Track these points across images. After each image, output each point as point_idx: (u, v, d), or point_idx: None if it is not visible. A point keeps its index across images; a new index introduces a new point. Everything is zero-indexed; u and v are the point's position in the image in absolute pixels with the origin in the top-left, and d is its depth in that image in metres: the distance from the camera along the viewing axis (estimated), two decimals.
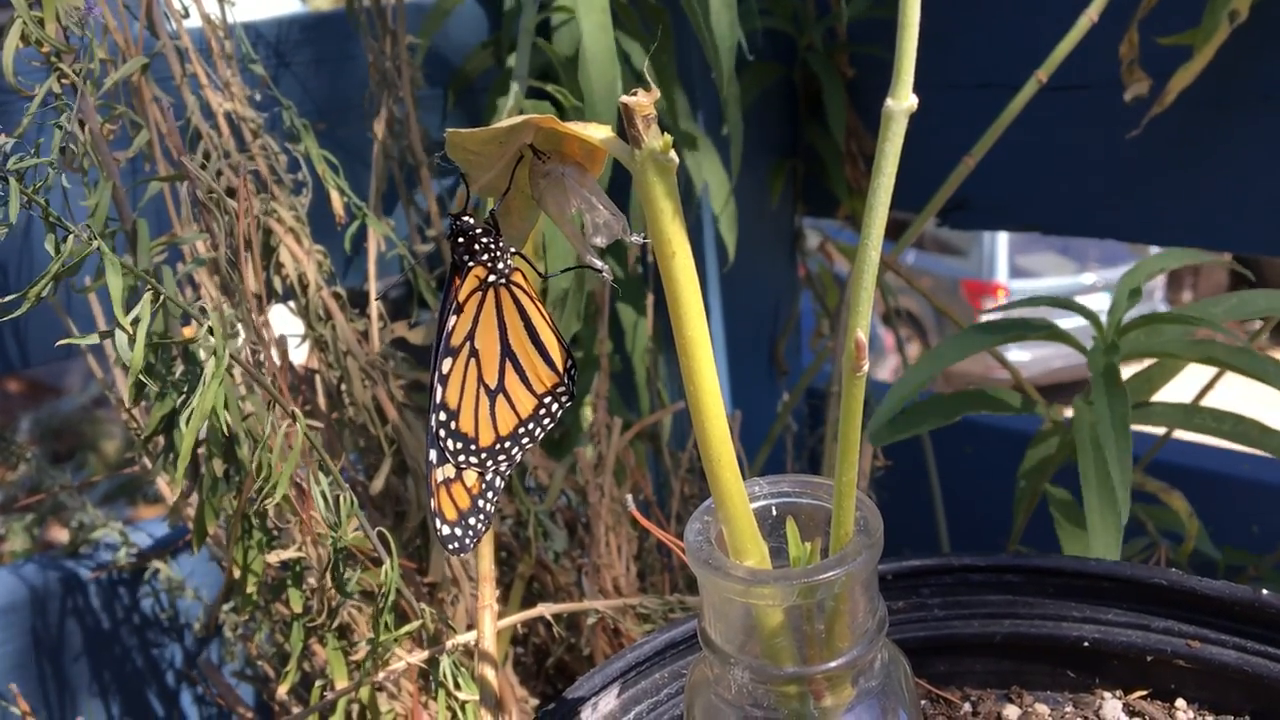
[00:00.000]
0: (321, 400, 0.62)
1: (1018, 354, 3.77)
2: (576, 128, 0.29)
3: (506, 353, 0.35)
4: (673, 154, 0.27)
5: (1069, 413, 0.55)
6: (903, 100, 0.26)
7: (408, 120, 0.65)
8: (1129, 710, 0.40)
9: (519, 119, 0.30)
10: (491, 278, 0.34)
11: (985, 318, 0.61)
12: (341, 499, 0.46)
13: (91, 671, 0.66)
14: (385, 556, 0.46)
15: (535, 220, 0.35)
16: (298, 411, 0.45)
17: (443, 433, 0.35)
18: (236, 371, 0.48)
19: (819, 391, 0.85)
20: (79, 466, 1.83)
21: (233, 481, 0.49)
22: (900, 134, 0.26)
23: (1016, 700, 0.42)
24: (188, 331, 0.48)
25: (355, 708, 0.52)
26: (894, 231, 0.62)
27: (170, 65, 0.57)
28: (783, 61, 0.82)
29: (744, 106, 0.74)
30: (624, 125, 0.27)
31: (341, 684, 0.50)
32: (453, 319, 0.34)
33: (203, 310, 0.45)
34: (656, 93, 0.27)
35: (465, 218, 0.34)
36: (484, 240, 0.34)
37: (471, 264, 0.34)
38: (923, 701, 0.42)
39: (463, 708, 0.48)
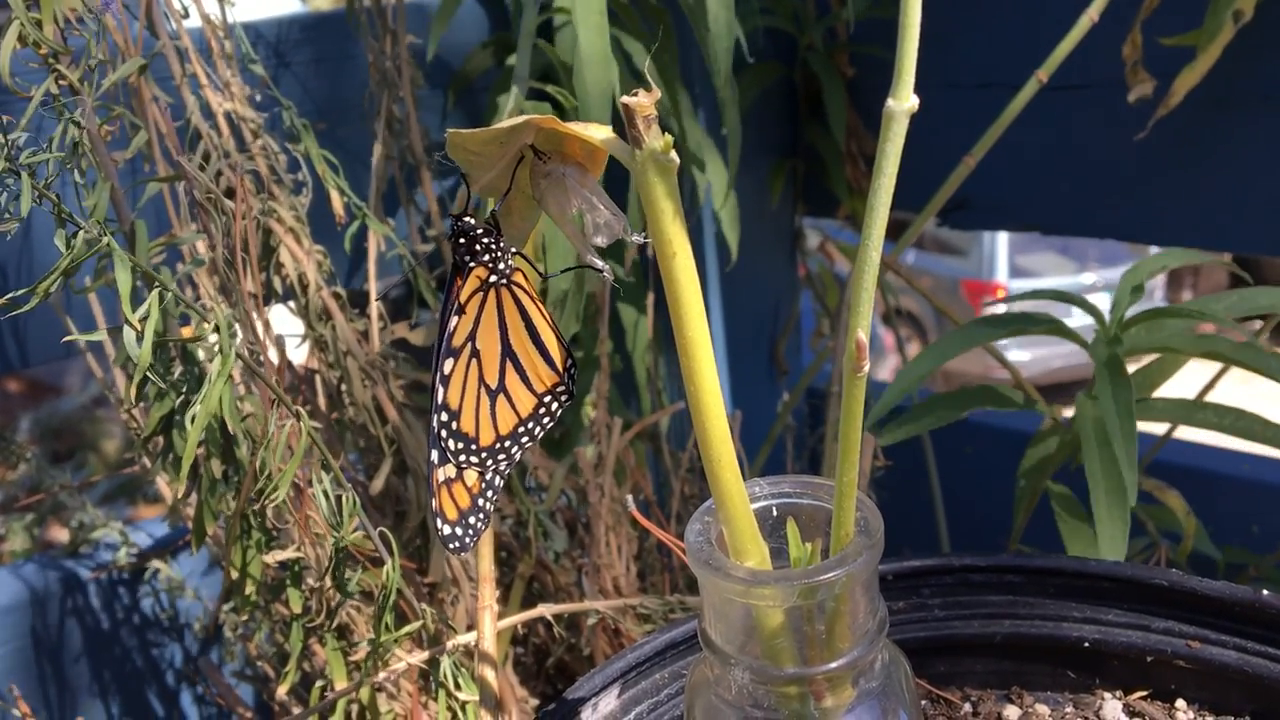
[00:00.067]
0: (321, 400, 0.62)
1: (1017, 354, 3.77)
2: (577, 128, 0.29)
3: (507, 352, 0.35)
4: (673, 154, 0.27)
5: (1069, 413, 0.55)
6: (904, 100, 0.26)
7: (408, 120, 0.65)
8: (1129, 711, 0.40)
9: (520, 119, 0.30)
10: (493, 278, 0.34)
11: (987, 312, 0.61)
12: (343, 499, 0.46)
13: (91, 671, 0.66)
14: (386, 557, 0.46)
15: (536, 220, 0.35)
16: (301, 411, 0.45)
17: (444, 433, 0.35)
18: (235, 372, 0.48)
19: (819, 391, 0.85)
20: (79, 466, 1.83)
21: (231, 482, 0.49)
22: (901, 134, 0.26)
23: (1017, 700, 0.42)
24: (186, 331, 0.48)
25: (355, 708, 0.52)
26: (894, 231, 0.62)
27: (170, 65, 0.57)
28: (783, 61, 0.82)
29: (744, 106, 0.74)
30: (624, 125, 0.27)
31: (341, 684, 0.50)
32: (454, 320, 0.34)
33: (206, 309, 0.45)
34: (657, 93, 0.27)
35: (466, 218, 0.34)
36: (485, 241, 0.34)
37: (473, 264, 0.34)
38: (923, 702, 0.42)
39: (463, 708, 0.48)
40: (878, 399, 0.57)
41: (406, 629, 0.48)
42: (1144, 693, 0.41)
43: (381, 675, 0.49)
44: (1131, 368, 0.59)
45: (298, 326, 0.60)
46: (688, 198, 0.73)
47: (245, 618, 0.58)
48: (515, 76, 0.62)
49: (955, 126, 0.66)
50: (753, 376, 0.88)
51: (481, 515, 0.36)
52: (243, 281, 0.53)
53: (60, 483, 0.71)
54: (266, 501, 0.45)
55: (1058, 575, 0.42)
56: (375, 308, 0.61)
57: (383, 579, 0.46)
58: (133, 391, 0.43)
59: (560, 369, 0.35)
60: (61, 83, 0.46)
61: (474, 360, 0.35)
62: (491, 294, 0.35)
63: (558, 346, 0.35)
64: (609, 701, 0.40)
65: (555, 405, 0.36)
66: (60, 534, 0.77)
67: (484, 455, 0.35)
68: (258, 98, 0.60)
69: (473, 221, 0.34)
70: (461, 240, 0.34)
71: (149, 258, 0.47)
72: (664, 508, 0.69)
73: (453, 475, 0.35)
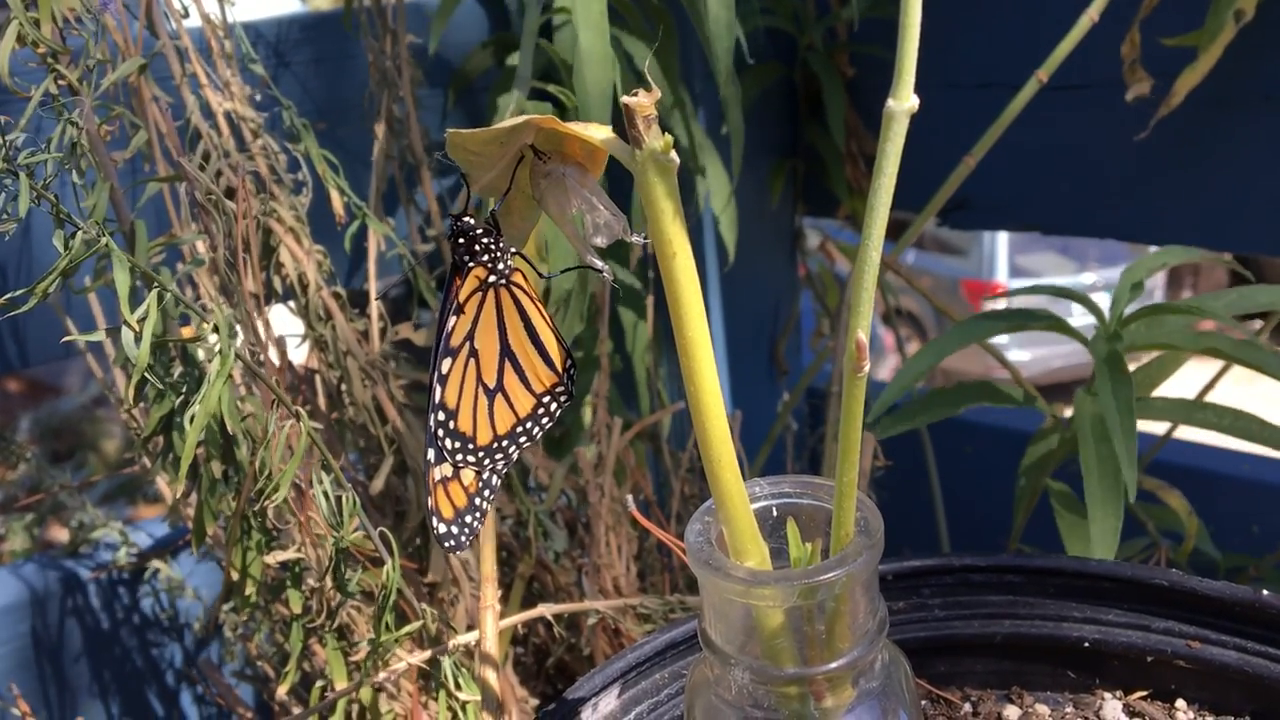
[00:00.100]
0: (321, 400, 0.62)
1: (1018, 354, 3.78)
2: (577, 128, 0.29)
3: (506, 353, 0.35)
4: (673, 154, 0.27)
5: (1069, 413, 0.55)
6: (904, 100, 0.26)
7: (408, 120, 0.65)
8: (1129, 711, 0.40)
9: (520, 119, 0.30)
10: (492, 278, 0.34)
11: (988, 308, 0.61)
12: (344, 499, 0.45)
13: (91, 671, 0.66)
14: (386, 557, 0.46)
15: (536, 220, 0.35)
16: (301, 411, 0.45)
17: (441, 432, 0.35)
18: (235, 372, 0.48)
19: (819, 391, 0.85)
20: (79, 466, 1.83)
21: (231, 482, 0.49)
22: (902, 134, 0.26)
23: (1017, 701, 0.42)
24: (186, 332, 0.48)
25: (355, 708, 0.52)
26: (894, 231, 0.62)
27: (170, 65, 0.56)
28: (783, 61, 0.82)
29: (744, 106, 0.74)
30: (625, 125, 0.27)
31: (341, 684, 0.50)
32: (453, 319, 0.34)
33: (205, 309, 0.45)
34: (658, 93, 0.27)
35: (466, 218, 0.34)
36: (484, 240, 0.34)
37: (472, 264, 0.34)
38: (923, 702, 0.42)
39: (463, 708, 0.48)
40: (878, 399, 0.57)
41: (407, 629, 0.48)
42: (1144, 693, 0.41)
43: (382, 675, 0.49)
44: (1131, 366, 0.59)
45: (298, 326, 0.60)
46: (688, 198, 0.73)
47: (245, 618, 0.58)
48: (518, 76, 0.62)
49: (955, 126, 0.66)
50: (753, 376, 0.88)
51: (478, 515, 0.36)
52: (243, 281, 0.53)
53: (60, 483, 0.71)
54: (267, 502, 0.45)
55: (1058, 575, 0.42)
56: (375, 307, 0.61)
57: (383, 579, 0.46)
58: (131, 392, 0.43)
59: (559, 369, 0.35)
60: (60, 82, 0.45)
61: (472, 360, 0.35)
62: (490, 294, 0.35)
63: (557, 347, 0.35)
64: (609, 701, 0.40)
65: (554, 406, 0.36)
66: (60, 534, 0.77)
67: (481, 455, 0.35)
68: (258, 97, 0.60)
69: (472, 221, 0.34)
70: (461, 240, 0.34)
71: (148, 258, 0.47)
72: (664, 508, 0.69)
73: (449, 474, 0.35)
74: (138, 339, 0.41)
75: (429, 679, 0.50)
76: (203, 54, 0.58)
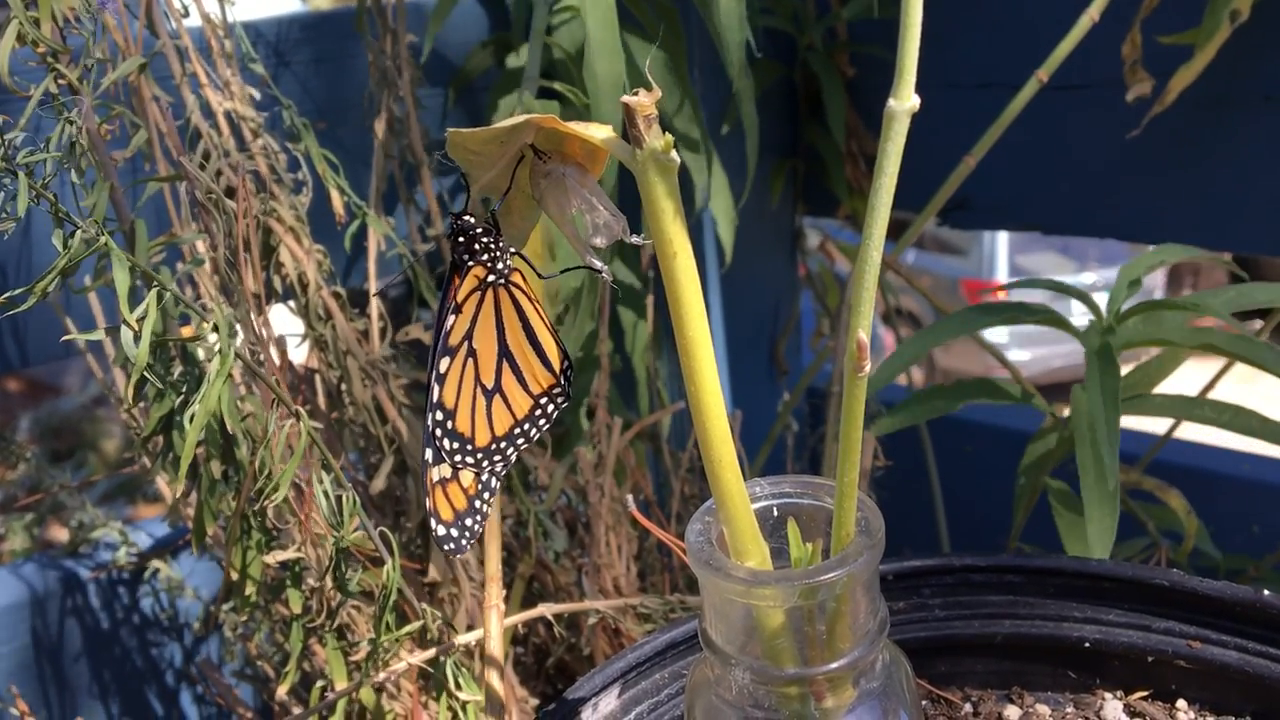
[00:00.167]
0: (321, 400, 0.62)
1: (1018, 353, 3.78)
2: (577, 128, 0.29)
3: (504, 353, 0.35)
4: (674, 154, 0.27)
5: (1068, 412, 0.55)
6: (905, 100, 0.26)
7: (408, 119, 0.65)
8: (1130, 711, 0.40)
9: (520, 118, 0.30)
10: (491, 278, 0.34)
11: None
12: (344, 499, 0.45)
13: (91, 671, 0.66)
14: (387, 557, 0.46)
15: (536, 220, 0.35)
16: (301, 411, 0.45)
17: (439, 432, 0.35)
18: (235, 371, 0.48)
19: (819, 391, 0.85)
20: (78, 465, 1.83)
21: (231, 482, 0.49)
22: (903, 134, 0.26)
23: (1017, 701, 0.42)
24: (185, 331, 0.48)
25: (355, 708, 0.52)
26: (894, 231, 0.62)
27: (170, 64, 0.56)
28: (783, 61, 0.82)
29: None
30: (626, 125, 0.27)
31: (341, 684, 0.50)
32: (451, 318, 0.34)
33: (205, 309, 0.45)
34: (658, 92, 0.26)
35: (466, 217, 0.34)
36: (484, 240, 0.34)
37: (471, 263, 0.34)
38: (924, 702, 0.42)
39: (464, 708, 0.48)
40: (877, 399, 0.57)
41: (407, 629, 0.48)
42: (1145, 693, 0.41)
43: (382, 675, 0.49)
44: (1131, 364, 0.59)
45: (298, 326, 0.60)
46: (688, 198, 0.73)
47: (245, 618, 0.58)
48: (525, 75, 0.62)
49: (955, 126, 0.66)
50: (753, 376, 0.87)
51: (478, 517, 0.36)
52: (243, 281, 0.53)
53: (60, 482, 0.71)
54: (267, 502, 0.45)
55: (1058, 575, 0.42)
56: (375, 307, 0.61)
57: (383, 579, 0.46)
58: (131, 391, 0.43)
59: (557, 371, 0.35)
60: (60, 82, 0.45)
61: (470, 360, 0.35)
62: (489, 293, 0.34)
63: (555, 348, 0.35)
64: (609, 701, 0.40)
65: (551, 408, 0.36)
66: (60, 534, 0.77)
67: (479, 456, 0.35)
68: (258, 97, 0.60)
69: (472, 220, 0.34)
70: (460, 239, 0.34)
71: (148, 257, 0.47)
72: (664, 508, 0.69)
73: (448, 475, 0.35)
74: (137, 338, 0.41)
75: (429, 679, 0.50)
76: (203, 53, 0.58)
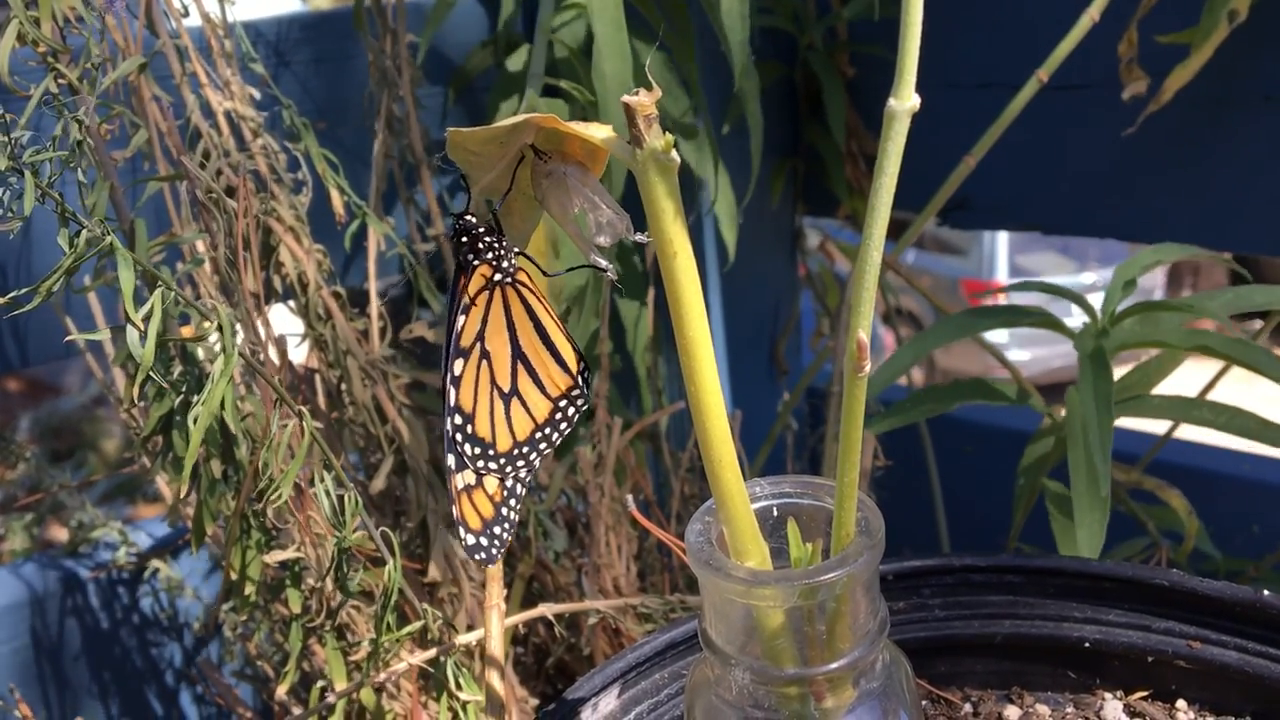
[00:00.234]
0: (321, 400, 0.62)
1: (1017, 353, 3.78)
2: (578, 127, 0.29)
3: (518, 355, 0.34)
4: (674, 154, 0.27)
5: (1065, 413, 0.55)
6: (905, 100, 0.26)
7: (408, 119, 0.65)
8: (1130, 711, 0.40)
9: (520, 118, 0.30)
10: (497, 276, 0.34)
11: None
12: (345, 499, 0.45)
13: (91, 671, 0.66)
14: (388, 557, 0.46)
15: (537, 221, 0.35)
16: (304, 411, 0.45)
17: (459, 437, 0.34)
18: (235, 371, 0.48)
19: (819, 391, 0.85)
20: (78, 465, 1.83)
21: (231, 482, 0.49)
22: (903, 134, 0.26)
23: (1017, 701, 0.42)
24: (186, 331, 0.48)
25: (355, 708, 0.52)
26: (894, 231, 0.62)
27: (170, 64, 0.56)
28: (783, 61, 0.82)
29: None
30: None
31: (341, 685, 0.50)
32: (461, 318, 0.34)
33: (208, 309, 0.45)
34: (658, 92, 0.26)
35: (468, 216, 0.34)
36: (487, 239, 0.34)
37: (476, 262, 0.34)
38: (924, 702, 0.42)
39: (464, 708, 0.48)
40: (876, 399, 0.57)
41: (408, 629, 0.48)
42: (1145, 693, 0.41)
43: (382, 676, 0.49)
44: (1130, 365, 0.59)
45: (297, 326, 0.60)
46: (689, 197, 0.73)
47: (245, 618, 0.58)
48: (530, 73, 0.62)
49: (955, 126, 0.66)
50: (753, 376, 0.87)
51: (506, 525, 0.35)
52: (243, 281, 0.53)
53: (60, 482, 0.71)
54: (268, 502, 0.45)
55: (1058, 575, 0.42)
56: (375, 307, 0.61)
57: (383, 579, 0.46)
58: (134, 391, 0.43)
59: (573, 372, 0.35)
60: (60, 81, 0.45)
61: (484, 361, 0.34)
62: (497, 293, 0.34)
63: (569, 349, 0.35)
64: (609, 701, 0.40)
65: (571, 410, 0.35)
66: (60, 533, 0.77)
67: (502, 461, 0.34)
68: (257, 97, 0.60)
69: (474, 220, 0.34)
70: (464, 239, 0.34)
71: (149, 257, 0.47)
72: (664, 508, 0.69)
73: (472, 482, 0.34)
74: (142, 338, 0.41)
75: (429, 679, 0.50)
76: (203, 53, 0.58)
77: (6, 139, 0.41)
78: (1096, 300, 0.55)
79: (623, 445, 0.64)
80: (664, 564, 0.67)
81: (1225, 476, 0.72)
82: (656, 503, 0.68)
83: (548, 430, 0.35)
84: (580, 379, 0.35)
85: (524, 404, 0.34)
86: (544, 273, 0.36)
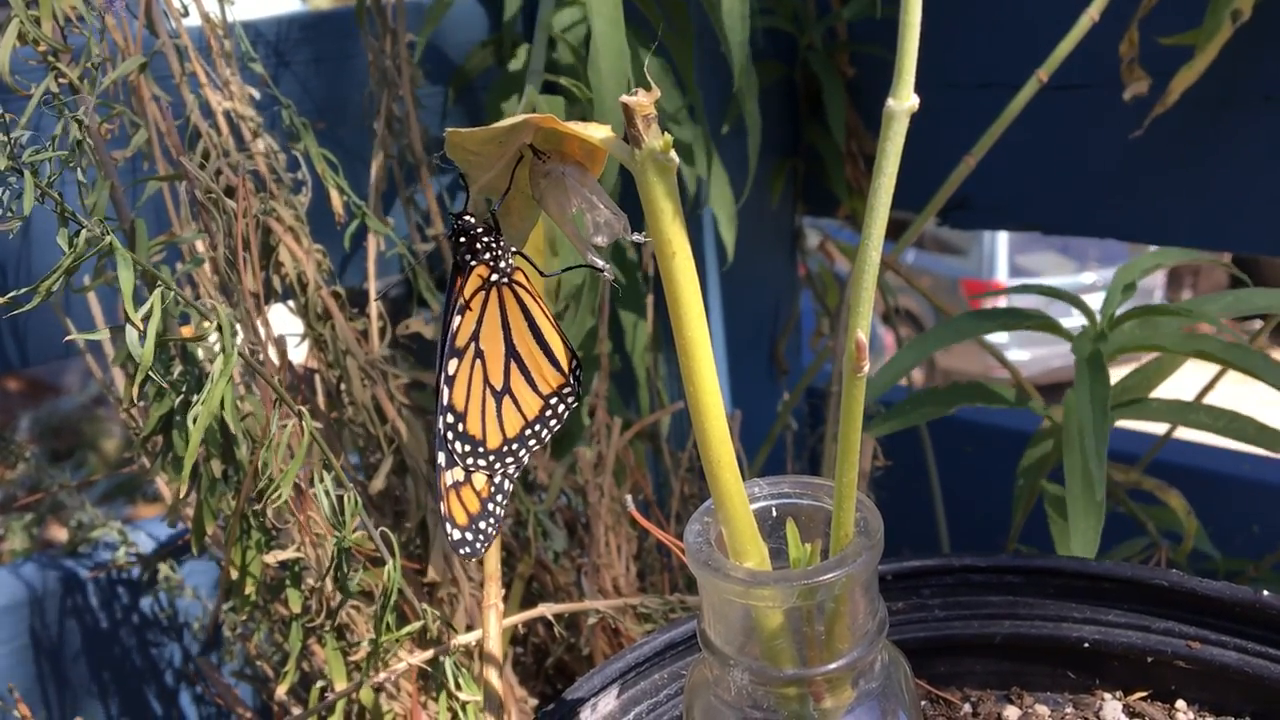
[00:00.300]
0: (321, 400, 0.62)
1: (1017, 353, 3.78)
2: (576, 127, 0.29)
3: (511, 353, 0.35)
4: (673, 154, 0.27)
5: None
6: (904, 100, 0.26)
7: (407, 119, 0.65)
8: (1129, 711, 0.40)
9: (518, 118, 0.30)
10: (494, 277, 0.34)
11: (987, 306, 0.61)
12: (345, 499, 0.45)
13: (91, 671, 0.66)
14: (387, 557, 0.46)
15: (536, 220, 0.35)
16: (304, 411, 0.45)
17: (450, 435, 0.34)
18: (235, 371, 0.48)
19: (819, 391, 0.85)
20: (78, 465, 1.83)
21: (231, 482, 0.49)
22: (902, 134, 0.26)
23: (1017, 701, 0.42)
24: (186, 331, 0.48)
25: (355, 708, 0.52)
26: (894, 231, 0.62)
27: (169, 64, 0.56)
28: (783, 61, 0.82)
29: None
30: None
31: (341, 685, 0.50)
32: (457, 319, 0.34)
33: (208, 309, 0.45)
34: (657, 92, 0.26)
35: (466, 216, 0.34)
36: (485, 239, 0.34)
37: (474, 263, 0.34)
38: (923, 702, 0.42)
39: (464, 708, 0.48)
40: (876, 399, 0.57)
41: (407, 629, 0.48)
42: (1144, 693, 0.41)
43: (381, 675, 0.49)
44: (1129, 367, 0.59)
45: (297, 326, 0.60)
46: (688, 197, 0.73)
47: (244, 618, 0.58)
48: (530, 70, 0.62)
49: (955, 126, 0.66)
50: (753, 376, 0.87)
51: (492, 520, 0.35)
52: (243, 281, 0.53)
53: (59, 482, 0.71)
54: (268, 502, 0.45)
55: (1058, 576, 0.42)
56: (374, 307, 0.61)
57: (383, 579, 0.46)
58: (134, 391, 0.43)
59: (565, 370, 0.35)
60: (61, 80, 0.45)
61: (478, 361, 0.34)
62: (494, 293, 0.34)
63: (562, 347, 0.35)
64: (608, 702, 0.40)
65: (562, 407, 0.35)
66: (60, 533, 0.77)
67: (492, 458, 0.35)
68: (257, 97, 0.60)
69: (472, 220, 0.34)
70: (462, 239, 0.34)
71: (149, 256, 0.47)
72: (664, 508, 0.69)
73: (461, 479, 0.35)
74: (142, 338, 0.41)
75: (429, 679, 0.50)
76: (202, 53, 0.58)
77: (6, 139, 0.41)
78: (1097, 300, 0.55)
79: (622, 445, 0.64)
80: (663, 564, 0.67)
81: (1225, 477, 0.72)
82: (656, 503, 0.68)
83: (538, 427, 0.35)
84: (572, 376, 0.35)
85: (515, 402, 0.35)
86: (541, 273, 0.36)
